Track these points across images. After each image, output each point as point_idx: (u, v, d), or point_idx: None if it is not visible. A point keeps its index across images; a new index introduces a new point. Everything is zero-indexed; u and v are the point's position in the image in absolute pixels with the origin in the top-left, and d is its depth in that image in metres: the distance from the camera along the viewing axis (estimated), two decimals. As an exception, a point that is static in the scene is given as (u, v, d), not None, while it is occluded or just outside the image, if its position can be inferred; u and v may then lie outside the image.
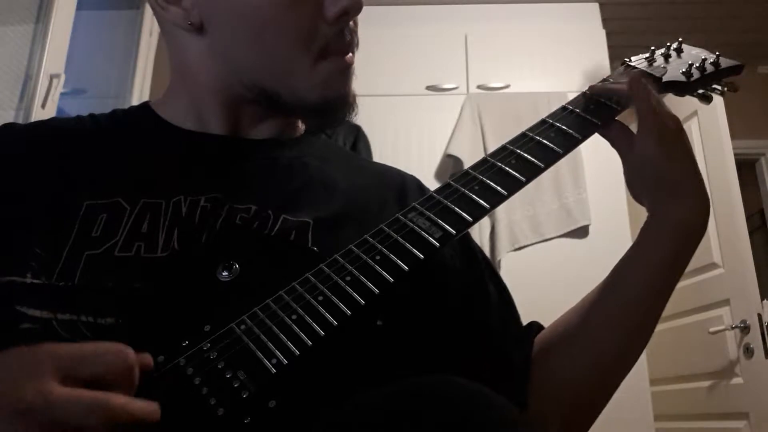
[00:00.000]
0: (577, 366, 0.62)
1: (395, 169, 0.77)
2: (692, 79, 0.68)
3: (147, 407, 0.38)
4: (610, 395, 0.63)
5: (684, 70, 0.68)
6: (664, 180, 0.61)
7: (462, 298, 0.66)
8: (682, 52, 0.72)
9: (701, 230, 0.61)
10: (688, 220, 0.60)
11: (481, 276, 0.69)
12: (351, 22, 0.65)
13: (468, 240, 0.71)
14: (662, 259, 0.61)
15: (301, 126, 0.75)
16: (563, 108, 0.64)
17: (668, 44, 0.73)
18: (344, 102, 0.66)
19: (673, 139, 0.61)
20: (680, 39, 0.73)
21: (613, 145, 0.66)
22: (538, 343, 0.66)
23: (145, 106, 0.72)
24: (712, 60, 0.69)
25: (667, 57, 0.71)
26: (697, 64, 0.69)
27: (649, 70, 0.68)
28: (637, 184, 0.64)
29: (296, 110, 0.67)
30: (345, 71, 0.66)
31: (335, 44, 0.64)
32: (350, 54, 0.66)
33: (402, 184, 0.73)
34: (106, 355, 0.39)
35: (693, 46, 0.73)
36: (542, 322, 0.70)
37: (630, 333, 0.62)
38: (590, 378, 0.62)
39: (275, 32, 0.61)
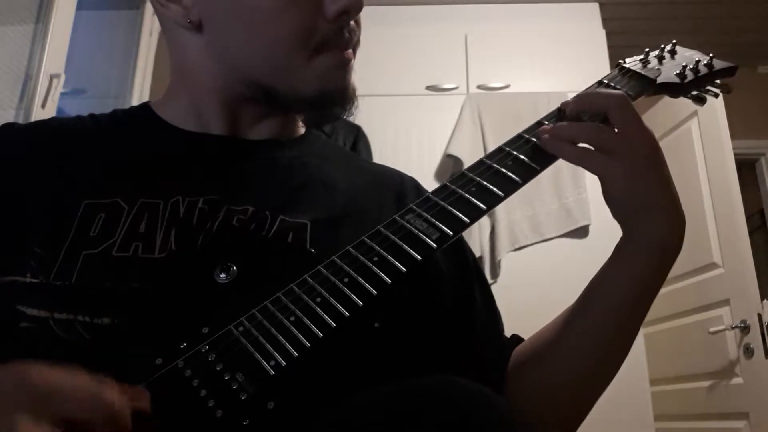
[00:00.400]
0: (551, 383, 0.62)
1: (394, 170, 0.77)
2: (686, 80, 0.68)
3: None
4: (589, 406, 0.62)
5: (678, 71, 0.68)
6: (635, 202, 0.58)
7: (452, 300, 0.66)
8: (676, 53, 0.72)
9: (676, 249, 0.59)
10: (662, 240, 0.58)
11: (470, 282, 0.69)
12: (352, 22, 0.65)
13: (461, 243, 0.71)
14: (635, 277, 0.59)
15: (301, 126, 0.75)
16: (559, 109, 0.64)
17: (662, 46, 0.73)
18: (343, 95, 0.65)
19: (642, 164, 0.58)
20: (674, 41, 0.73)
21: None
22: (515, 356, 0.66)
23: (145, 107, 0.72)
24: (705, 62, 0.70)
25: (660, 59, 0.71)
26: (691, 66, 0.69)
27: (642, 72, 0.68)
28: (611, 202, 0.61)
29: (294, 106, 0.67)
30: (343, 65, 0.65)
31: (334, 40, 0.63)
32: (349, 50, 0.66)
33: (400, 185, 0.73)
34: (84, 397, 0.36)
35: (687, 47, 0.73)
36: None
37: (603, 349, 0.61)
38: (564, 392, 0.62)
39: (274, 31, 0.61)
